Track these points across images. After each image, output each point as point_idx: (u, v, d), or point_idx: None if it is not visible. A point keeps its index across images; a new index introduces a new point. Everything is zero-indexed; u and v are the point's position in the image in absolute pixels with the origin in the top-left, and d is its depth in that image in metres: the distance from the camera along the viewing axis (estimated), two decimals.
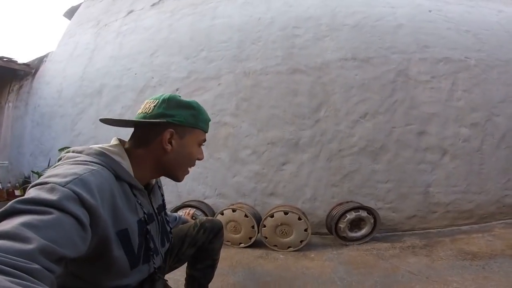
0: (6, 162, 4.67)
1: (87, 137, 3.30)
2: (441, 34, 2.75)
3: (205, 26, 3.18)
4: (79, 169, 0.56)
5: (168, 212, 1.19)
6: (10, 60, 4.74)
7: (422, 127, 2.52)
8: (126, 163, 0.70)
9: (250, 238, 2.17)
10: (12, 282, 0.31)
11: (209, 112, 0.81)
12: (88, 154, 0.64)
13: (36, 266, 0.36)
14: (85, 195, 0.50)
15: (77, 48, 4.00)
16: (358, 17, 2.78)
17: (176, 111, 0.73)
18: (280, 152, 2.60)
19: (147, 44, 3.41)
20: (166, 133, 0.72)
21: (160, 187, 0.92)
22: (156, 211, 0.83)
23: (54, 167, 0.60)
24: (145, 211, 0.74)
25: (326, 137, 2.56)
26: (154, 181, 0.85)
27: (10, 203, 0.44)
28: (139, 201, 0.72)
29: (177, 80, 3.07)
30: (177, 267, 1.11)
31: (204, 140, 0.83)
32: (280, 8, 3.00)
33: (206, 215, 2.32)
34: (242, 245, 2.16)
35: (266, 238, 2.12)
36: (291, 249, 2.09)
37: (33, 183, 0.51)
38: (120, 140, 0.76)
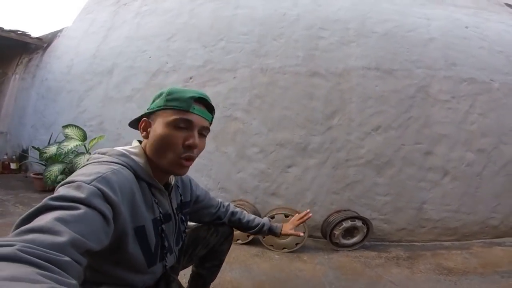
0: (5, 130, 4.67)
1: (92, 114, 3.29)
2: (472, 52, 2.62)
3: (227, 15, 2.98)
4: (102, 168, 0.61)
5: (244, 213, 1.20)
6: (24, 34, 4.64)
7: (430, 147, 2.54)
8: (144, 163, 0.74)
9: (248, 235, 2.25)
10: (41, 275, 0.34)
11: (221, 105, 0.81)
12: (110, 155, 0.70)
13: (67, 258, 0.41)
14: (108, 191, 0.56)
15: (93, 25, 3.79)
16: (389, 26, 2.61)
17: (152, 103, 0.78)
18: (288, 154, 2.63)
19: (165, 27, 3.23)
20: (140, 124, 0.78)
21: (179, 187, 0.94)
22: (174, 211, 0.86)
23: (83, 166, 0.66)
24: (161, 210, 0.78)
25: (335, 146, 2.59)
26: (173, 181, 0.87)
27: (44, 200, 0.49)
28: (156, 200, 0.76)
29: (192, 68, 2.97)
30: (188, 267, 1.17)
31: (186, 121, 0.72)
32: (307, 5, 2.80)
33: None
34: (239, 241, 2.26)
35: (264, 237, 2.24)
36: (285, 250, 2.20)
37: (62, 182, 0.57)
38: (140, 141, 0.81)
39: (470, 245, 2.45)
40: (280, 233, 1.22)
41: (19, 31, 4.68)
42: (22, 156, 4.19)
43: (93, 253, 0.50)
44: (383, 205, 2.55)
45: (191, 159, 0.75)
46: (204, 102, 0.77)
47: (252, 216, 1.22)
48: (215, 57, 2.91)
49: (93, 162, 0.67)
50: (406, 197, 2.54)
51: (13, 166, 4.17)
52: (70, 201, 0.50)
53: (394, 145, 2.55)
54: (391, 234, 2.55)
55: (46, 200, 0.49)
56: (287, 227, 1.24)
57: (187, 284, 1.28)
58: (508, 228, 2.61)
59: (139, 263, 0.70)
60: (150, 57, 3.18)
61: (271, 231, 1.22)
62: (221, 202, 1.18)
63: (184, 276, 1.34)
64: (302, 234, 1.24)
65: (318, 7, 2.80)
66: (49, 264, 0.37)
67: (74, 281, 0.39)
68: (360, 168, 2.55)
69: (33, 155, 3.69)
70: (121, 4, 3.79)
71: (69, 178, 0.57)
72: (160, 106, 0.73)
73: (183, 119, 0.71)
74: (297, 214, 1.30)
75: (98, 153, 0.73)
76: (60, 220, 0.44)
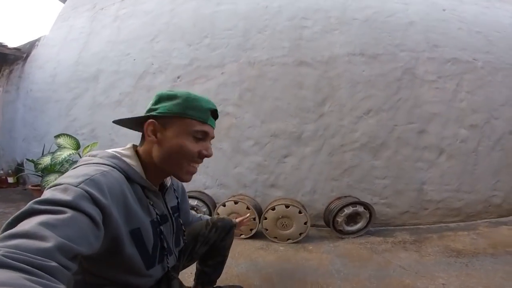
0: None
1: (83, 122, 3.23)
2: (452, 34, 2.71)
3: (209, 12, 3.03)
4: (90, 170, 0.59)
5: (196, 213, 1.26)
6: (0, 45, 4.55)
7: (423, 126, 2.56)
8: (137, 165, 0.72)
9: (251, 229, 2.22)
10: (29, 280, 0.33)
11: (212, 101, 0.78)
12: (101, 157, 0.68)
13: (54, 263, 0.39)
14: (96, 194, 0.53)
15: (71, 32, 3.79)
16: (369, 12, 2.70)
17: (160, 104, 0.74)
18: (283, 144, 2.61)
19: (147, 29, 3.26)
20: (146, 125, 0.72)
21: (175, 190, 0.95)
22: (170, 212, 0.85)
23: (71, 169, 0.63)
24: (158, 212, 0.76)
25: (329, 132, 2.58)
26: (169, 183, 0.88)
27: (29, 204, 0.46)
28: (152, 202, 0.75)
29: (178, 67, 2.97)
30: (190, 265, 1.16)
31: (203, 132, 0.74)
32: None
33: (207, 206, 2.37)
34: (242, 236, 2.21)
35: (267, 230, 2.19)
36: (290, 241, 2.15)
37: (49, 185, 0.54)
38: (134, 145, 0.79)
39: (476, 226, 2.42)
40: (235, 224, 1.29)
41: None
42: (18, 169, 4.13)
43: (91, 257, 0.50)
44: (383, 188, 2.51)
45: (197, 166, 0.78)
46: (215, 114, 0.79)
47: (202, 216, 1.28)
48: (201, 54, 2.93)
49: (82, 164, 0.64)
50: (405, 179, 2.52)
51: (10, 180, 4.13)
52: (56, 205, 0.47)
53: (387, 127, 2.55)
54: (394, 218, 2.51)
55: (30, 203, 0.47)
56: (238, 221, 1.34)
57: (193, 281, 1.25)
58: None
59: (137, 265, 0.69)
60: (134, 59, 3.18)
61: None
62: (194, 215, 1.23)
63: (191, 274, 1.30)
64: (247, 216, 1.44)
65: None
66: (35, 270, 0.36)
67: (62, 286, 0.38)
68: (356, 152, 2.54)
69: (28, 167, 3.62)
70: (97, 9, 3.81)
71: (57, 181, 0.55)
72: (178, 113, 0.72)
73: (202, 131, 0.74)
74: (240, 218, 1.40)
75: (89, 156, 0.71)
76: (45, 224, 0.42)
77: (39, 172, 3.08)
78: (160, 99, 0.75)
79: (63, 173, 2.81)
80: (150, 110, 0.75)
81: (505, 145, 2.63)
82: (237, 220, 1.33)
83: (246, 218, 1.42)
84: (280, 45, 2.73)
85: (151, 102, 0.77)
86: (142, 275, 0.72)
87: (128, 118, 0.77)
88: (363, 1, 2.76)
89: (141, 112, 0.78)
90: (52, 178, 2.72)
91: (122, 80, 3.17)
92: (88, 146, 2.86)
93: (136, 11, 3.47)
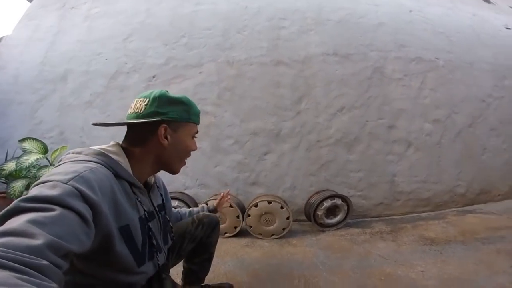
0: None
1: (50, 125, 3.01)
2: (417, 34, 2.94)
3: (188, 11, 3.02)
4: (79, 167, 0.57)
5: (182, 209, 1.27)
6: None
7: (392, 122, 2.73)
8: (124, 162, 0.72)
9: (235, 227, 2.21)
10: (20, 279, 0.33)
11: None
12: (87, 154, 0.67)
13: (44, 262, 0.38)
14: (87, 191, 0.52)
15: (37, 31, 3.53)
16: (342, 13, 2.86)
17: (169, 108, 0.77)
18: (262, 142, 2.65)
19: (120, 28, 3.15)
20: (160, 129, 0.75)
21: (159, 187, 0.95)
22: (156, 209, 0.85)
23: (55, 167, 0.61)
24: (145, 209, 0.76)
25: (306, 129, 2.66)
26: (152, 180, 0.88)
27: (14, 202, 0.45)
28: (139, 199, 0.74)
29: (153, 66, 2.91)
30: (178, 263, 1.14)
31: (197, 132, 0.87)
32: None
33: (188, 206, 2.32)
34: (227, 234, 2.20)
35: (251, 227, 2.19)
36: (274, 236, 2.17)
37: (35, 182, 0.52)
38: (118, 142, 0.79)
39: (445, 215, 2.57)
40: (216, 208, 1.39)
41: None
42: None
43: (84, 256, 0.49)
44: (358, 181, 2.63)
45: None
46: None
47: (189, 209, 1.31)
48: (177, 54, 2.90)
49: (68, 162, 0.62)
50: (378, 172, 2.66)
51: None
52: (43, 202, 0.46)
53: (359, 123, 2.69)
54: (370, 210, 2.63)
55: (17, 201, 0.45)
56: (216, 203, 1.42)
57: (181, 281, 1.24)
58: (475, 195, 2.80)
59: (128, 263, 0.68)
60: (106, 59, 3.05)
61: (210, 210, 1.36)
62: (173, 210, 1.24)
63: (177, 275, 1.28)
64: (226, 192, 1.47)
65: None
66: (26, 268, 0.35)
67: (54, 285, 0.37)
68: (331, 148, 2.64)
69: None
70: (67, 7, 3.63)
71: (44, 178, 0.53)
72: (187, 119, 0.81)
73: (197, 131, 0.88)
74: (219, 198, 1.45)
75: (73, 153, 0.69)
76: (33, 222, 0.41)
77: (3, 178, 2.85)
78: (166, 102, 0.77)
79: (30, 178, 2.62)
80: (156, 113, 0.75)
81: (465, 138, 2.87)
82: (215, 203, 1.40)
83: (223, 196, 1.45)
84: (259, 45, 2.79)
85: (150, 102, 0.76)
86: (133, 272, 0.71)
87: (134, 122, 0.75)
88: (337, 3, 2.91)
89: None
90: (18, 184, 2.52)
91: (93, 80, 3.03)
92: (57, 149, 2.68)
93: (108, 10, 3.35)
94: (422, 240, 2.01)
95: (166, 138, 0.77)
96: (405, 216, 2.61)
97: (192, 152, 0.87)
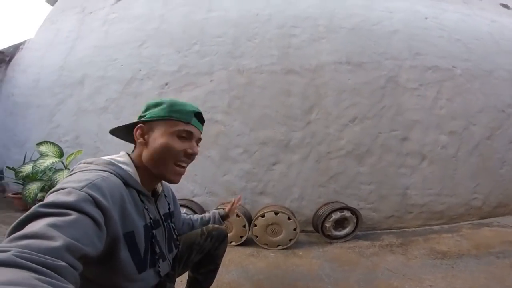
0: None
1: (66, 129, 3.12)
2: (433, 42, 2.83)
3: (199, 19, 3.03)
4: (91, 175, 0.62)
5: (194, 216, 1.28)
6: None
7: (406, 133, 2.65)
8: (133, 171, 0.76)
9: (241, 237, 2.22)
10: (38, 279, 0.34)
11: (200, 108, 0.83)
12: (98, 164, 0.70)
13: (63, 263, 0.40)
14: (99, 197, 0.56)
15: (58, 36, 3.67)
16: (355, 20, 2.79)
17: (148, 111, 0.81)
18: (271, 152, 2.64)
19: (135, 34, 3.21)
20: (135, 129, 0.79)
21: (167, 196, 0.97)
22: (162, 217, 0.87)
23: (68, 175, 0.65)
24: (152, 217, 0.79)
25: (316, 139, 2.63)
26: (160, 189, 0.91)
27: (33, 207, 0.48)
28: (146, 207, 0.77)
29: (166, 73, 2.95)
30: (184, 273, 1.16)
31: (188, 132, 0.79)
32: (279, 5, 2.93)
33: (196, 214, 2.35)
34: (233, 243, 2.21)
35: (257, 237, 2.20)
36: (280, 247, 2.17)
37: (51, 190, 0.56)
38: (127, 153, 0.83)
39: (459, 228, 2.49)
40: (227, 214, 1.35)
41: None
42: None
43: (91, 261, 0.51)
44: (369, 194, 2.58)
45: (185, 167, 0.81)
46: (200, 117, 0.85)
47: (200, 215, 1.30)
48: (190, 61, 2.92)
49: (80, 171, 0.66)
50: (389, 184, 2.59)
51: None
52: (61, 207, 0.49)
53: (372, 134, 2.63)
54: (380, 222, 2.57)
55: (35, 207, 0.49)
56: (228, 209, 1.37)
57: None
58: (491, 208, 2.70)
59: (129, 269, 0.69)
60: (122, 65, 3.12)
61: (222, 217, 1.33)
62: (185, 216, 1.24)
63: (181, 282, 1.30)
64: (238, 198, 1.41)
65: (289, 5, 2.92)
66: (45, 269, 0.37)
67: (71, 286, 0.39)
68: (342, 159, 2.59)
69: (8, 175, 3.48)
70: (86, 12, 3.73)
71: (59, 186, 0.57)
72: (162, 116, 0.78)
73: (185, 130, 0.79)
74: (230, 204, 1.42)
75: (84, 163, 0.73)
76: (52, 225, 0.44)
77: (20, 180, 2.98)
78: (148, 107, 0.82)
79: (45, 181, 2.73)
80: (139, 117, 0.82)
81: (483, 150, 2.75)
82: (227, 209, 1.37)
83: (235, 202, 1.40)
84: (269, 53, 2.77)
85: (141, 111, 0.83)
86: (134, 279, 0.71)
87: (121, 126, 0.82)
88: (350, 10, 2.84)
89: (127, 118, 0.81)
90: (33, 187, 2.63)
91: (108, 85, 3.10)
92: (72, 154, 2.78)
93: (126, 16, 3.42)
94: (434, 254, 1.96)
95: (143, 138, 0.78)
96: (417, 229, 2.53)
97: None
